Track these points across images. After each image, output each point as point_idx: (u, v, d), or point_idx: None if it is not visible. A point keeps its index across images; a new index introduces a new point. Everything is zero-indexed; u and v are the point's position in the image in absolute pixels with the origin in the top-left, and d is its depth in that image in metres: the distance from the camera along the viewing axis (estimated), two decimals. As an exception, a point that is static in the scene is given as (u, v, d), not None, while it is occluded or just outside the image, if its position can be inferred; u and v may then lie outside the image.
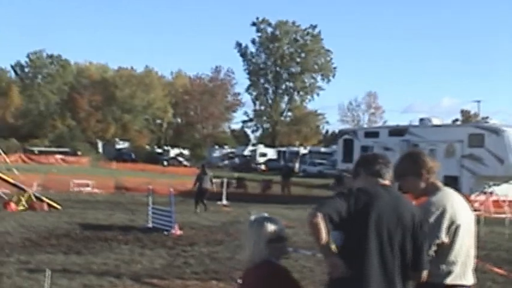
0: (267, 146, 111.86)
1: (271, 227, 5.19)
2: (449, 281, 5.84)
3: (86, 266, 14.68)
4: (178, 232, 21.38)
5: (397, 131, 45.66)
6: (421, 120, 45.92)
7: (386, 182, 5.63)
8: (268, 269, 5.12)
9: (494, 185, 35.07)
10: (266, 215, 5.44)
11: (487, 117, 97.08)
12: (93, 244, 18.33)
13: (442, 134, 41.94)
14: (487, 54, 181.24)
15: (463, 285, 5.92)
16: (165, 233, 21.17)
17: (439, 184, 6.10)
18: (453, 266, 5.87)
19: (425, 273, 5.49)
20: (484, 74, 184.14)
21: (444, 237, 5.79)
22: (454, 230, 5.85)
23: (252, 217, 5.46)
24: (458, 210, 5.94)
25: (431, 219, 5.79)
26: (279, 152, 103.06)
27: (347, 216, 5.15)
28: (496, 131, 38.48)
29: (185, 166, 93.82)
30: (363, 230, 5.20)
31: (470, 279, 6.02)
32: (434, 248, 5.76)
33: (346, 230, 5.22)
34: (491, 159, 37.42)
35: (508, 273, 15.21)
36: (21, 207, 26.90)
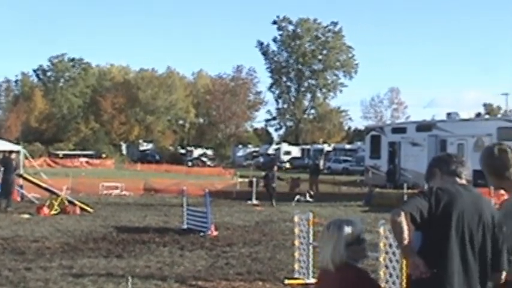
0: (290, 144, 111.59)
1: (350, 230, 5.11)
2: None
3: (129, 270, 14.62)
4: (215, 233, 21.30)
5: (425, 126, 45.46)
6: (449, 114, 45.66)
7: (464, 181, 5.55)
8: (351, 272, 5.04)
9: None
10: (344, 217, 5.37)
11: (510, 110, 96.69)
12: (132, 247, 18.27)
13: (470, 128, 41.67)
14: (508, 45, 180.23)
15: None
16: (202, 234, 21.08)
17: None
18: None
19: (504, 274, 5.40)
20: (507, 66, 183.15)
21: None
22: None
23: (331, 220, 5.40)
24: None
25: None
26: (302, 150, 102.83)
27: (428, 216, 5.08)
28: (526, 124, 38.26)
29: (209, 166, 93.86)
30: (445, 229, 5.13)
31: None
32: None
33: (427, 229, 5.14)
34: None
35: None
36: (54, 212, 26.90)
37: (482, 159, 6.01)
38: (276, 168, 39.46)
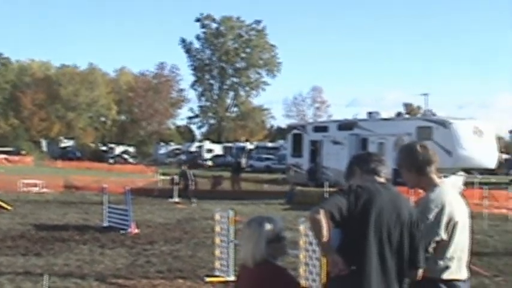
0: (213, 142, 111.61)
1: (270, 227, 5.13)
2: (445, 276, 5.85)
3: (48, 268, 14.44)
4: (136, 231, 21.20)
5: (346, 125, 45.80)
6: (370, 113, 46.15)
7: (383, 180, 5.62)
8: (269, 269, 5.07)
9: (444, 176, 35.43)
10: (265, 214, 5.39)
11: (429, 110, 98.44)
12: (51, 245, 18.07)
13: (390, 127, 42.19)
14: (428, 47, 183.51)
15: (458, 280, 5.94)
16: (122, 232, 20.97)
17: (437, 180, 6.09)
18: (450, 262, 5.88)
19: (421, 272, 5.49)
20: (427, 67, 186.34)
21: (443, 234, 5.80)
22: (452, 227, 5.86)
23: (251, 217, 5.42)
24: (456, 206, 5.95)
25: (431, 216, 5.78)
26: (225, 148, 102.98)
27: (348, 214, 5.12)
28: (444, 124, 38.88)
29: (131, 163, 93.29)
30: (363, 227, 5.18)
31: (465, 273, 6.04)
32: (433, 245, 5.76)
33: (346, 227, 5.18)
34: (439, 152, 37.29)
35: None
36: (-29, 209, 26.43)
37: (402, 156, 6.12)
38: (187, 165, 39.63)
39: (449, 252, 5.88)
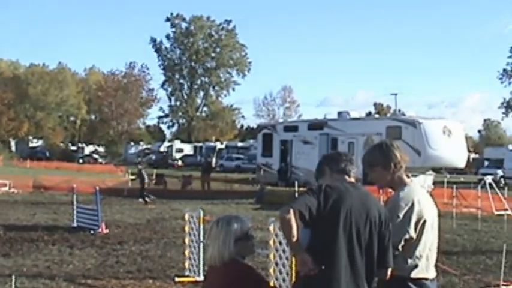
0: (183, 141, 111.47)
1: (238, 226, 5.14)
2: (414, 274, 5.90)
3: (16, 269, 14.33)
4: (105, 231, 21.12)
5: (316, 125, 45.90)
6: (340, 113, 46.28)
7: (353, 179, 5.64)
8: (237, 268, 5.07)
9: (413, 176, 35.60)
10: (233, 214, 5.39)
11: (399, 110, 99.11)
12: (20, 246, 17.94)
13: (360, 127, 42.36)
14: (398, 48, 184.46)
15: (427, 279, 5.98)
16: (92, 232, 20.88)
17: (407, 179, 6.13)
18: (419, 260, 5.92)
19: (389, 271, 5.51)
20: (397, 67, 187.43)
21: (413, 233, 5.83)
22: (421, 225, 5.90)
23: (219, 216, 5.41)
24: (425, 205, 5.99)
25: (401, 215, 5.81)
26: (195, 148, 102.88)
27: (317, 213, 5.12)
28: (413, 123, 39.10)
29: (100, 163, 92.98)
30: (333, 226, 5.19)
31: (432, 272, 6.08)
32: (402, 243, 5.79)
33: (315, 226, 5.19)
34: (409, 151, 37.82)
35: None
36: None
37: (378, 154, 6.13)
38: (143, 165, 39.59)
39: (418, 251, 5.92)
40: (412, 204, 5.88)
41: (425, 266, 5.98)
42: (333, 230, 5.19)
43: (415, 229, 5.86)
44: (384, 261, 5.43)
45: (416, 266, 5.91)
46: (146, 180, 34.93)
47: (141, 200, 33.19)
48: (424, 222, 5.92)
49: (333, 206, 5.20)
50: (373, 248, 5.34)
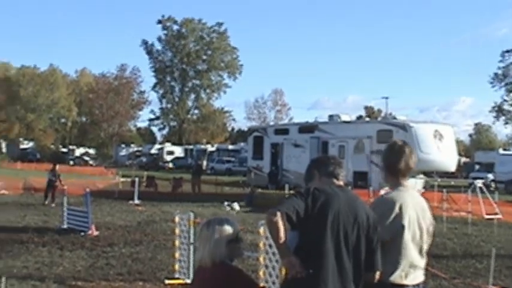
0: (173, 144, 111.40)
1: (229, 228, 5.16)
2: (392, 279, 5.83)
3: (6, 270, 14.29)
4: (95, 233, 21.09)
5: (307, 128, 46.01)
6: (330, 116, 46.37)
7: (341, 183, 5.67)
8: (225, 270, 5.10)
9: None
10: (223, 216, 5.40)
11: (390, 113, 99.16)
12: (10, 247, 17.90)
13: (351, 130, 42.48)
14: (389, 51, 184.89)
15: (404, 285, 5.89)
16: (82, 234, 20.86)
17: (404, 183, 6.13)
18: (397, 265, 5.86)
19: (377, 274, 5.53)
20: (389, 71, 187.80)
21: (386, 236, 5.71)
22: (397, 231, 5.84)
23: (209, 218, 5.43)
24: (407, 211, 5.92)
25: (390, 218, 5.80)
26: (186, 150, 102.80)
27: (305, 216, 5.15)
28: (404, 127, 39.26)
29: (91, 165, 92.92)
30: (320, 229, 5.21)
31: (415, 279, 5.98)
32: (388, 246, 5.76)
33: (303, 229, 5.21)
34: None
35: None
36: None
37: (406, 155, 6.15)
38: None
39: (395, 256, 5.87)
40: (391, 209, 5.87)
41: (405, 273, 5.90)
42: (320, 233, 5.21)
43: (389, 233, 5.81)
44: (372, 265, 5.46)
45: (393, 271, 5.84)
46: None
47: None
48: (402, 227, 5.87)
49: (321, 208, 5.22)
50: (360, 251, 5.36)
